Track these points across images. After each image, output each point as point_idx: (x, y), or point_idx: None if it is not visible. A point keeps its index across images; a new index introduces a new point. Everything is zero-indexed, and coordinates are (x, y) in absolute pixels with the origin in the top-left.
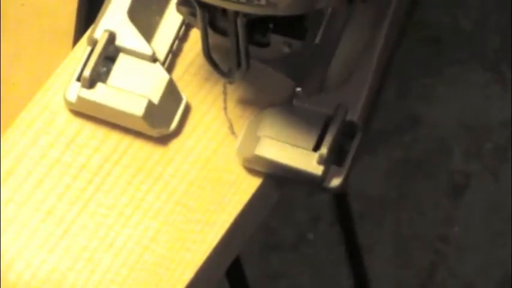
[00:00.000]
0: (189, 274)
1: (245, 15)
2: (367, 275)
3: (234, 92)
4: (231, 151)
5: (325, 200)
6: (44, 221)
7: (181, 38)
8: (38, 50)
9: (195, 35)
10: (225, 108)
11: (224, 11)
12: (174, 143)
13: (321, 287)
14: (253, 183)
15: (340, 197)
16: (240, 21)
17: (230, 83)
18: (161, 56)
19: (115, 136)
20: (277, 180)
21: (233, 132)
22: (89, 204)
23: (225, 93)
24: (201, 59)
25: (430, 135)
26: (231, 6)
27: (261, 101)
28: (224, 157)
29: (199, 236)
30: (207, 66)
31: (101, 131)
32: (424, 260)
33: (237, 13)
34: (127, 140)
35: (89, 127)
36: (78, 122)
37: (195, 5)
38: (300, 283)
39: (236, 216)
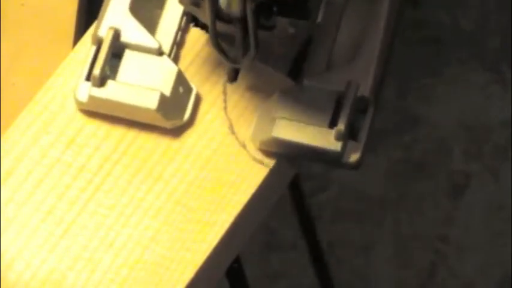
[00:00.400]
0: (189, 274)
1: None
2: (332, 279)
3: (234, 92)
4: (231, 151)
5: (325, 200)
6: (44, 221)
7: (183, 29)
8: (38, 50)
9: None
10: (225, 108)
11: None
12: (175, 143)
13: (321, 287)
14: (253, 183)
15: (298, 197)
16: (249, 6)
17: (230, 80)
18: (166, 48)
19: (115, 136)
20: (289, 164)
21: (233, 132)
22: (89, 204)
23: (225, 93)
24: (198, 61)
25: (430, 135)
26: None
27: (262, 101)
28: (224, 157)
29: (199, 236)
30: (204, 70)
31: (101, 131)
32: (424, 260)
33: None
34: (127, 140)
35: (89, 127)
36: (78, 121)
37: None
38: (300, 283)
39: (236, 216)
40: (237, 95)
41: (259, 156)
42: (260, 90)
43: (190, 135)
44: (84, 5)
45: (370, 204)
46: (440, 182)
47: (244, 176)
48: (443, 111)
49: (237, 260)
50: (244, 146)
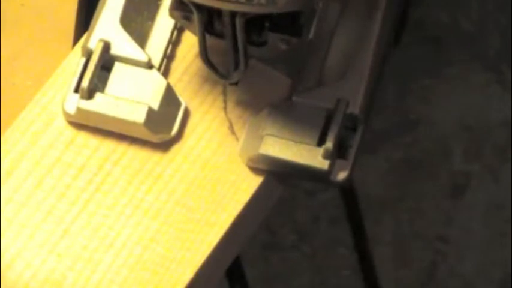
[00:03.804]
0: (189, 274)
1: (243, 14)
2: (376, 272)
3: (234, 92)
4: (231, 151)
5: (325, 200)
6: (44, 221)
7: (174, 42)
8: (38, 50)
9: (188, 38)
10: (225, 108)
11: (220, 12)
12: (174, 144)
13: (321, 287)
14: (254, 183)
15: (348, 193)
16: (238, 21)
17: (229, 83)
18: (156, 61)
19: (115, 136)
20: (279, 179)
21: (233, 132)
22: (89, 204)
23: (224, 93)
24: (197, 62)
25: (430, 135)
26: (230, 7)
27: (261, 100)
28: (224, 157)
29: (199, 236)
30: (204, 69)
31: (100, 131)
32: (424, 260)
33: (234, 13)
34: (127, 140)
35: (88, 127)
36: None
37: (192, 8)
38: (300, 283)
39: (236, 216)
40: (236, 95)
41: None
42: (260, 90)
43: (189, 136)
44: (84, 5)
45: (370, 204)
46: (440, 182)
47: (244, 176)
48: (443, 111)
49: (237, 260)
50: None
